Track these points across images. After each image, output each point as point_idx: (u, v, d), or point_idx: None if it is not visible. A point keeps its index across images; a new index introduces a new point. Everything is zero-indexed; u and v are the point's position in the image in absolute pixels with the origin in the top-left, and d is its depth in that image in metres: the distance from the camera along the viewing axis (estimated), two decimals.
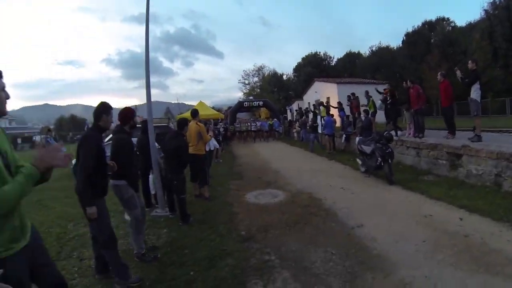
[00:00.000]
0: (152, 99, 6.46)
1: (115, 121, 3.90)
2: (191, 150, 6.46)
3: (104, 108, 3.31)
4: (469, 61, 7.95)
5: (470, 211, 5.13)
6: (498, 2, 27.00)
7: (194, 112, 7.14)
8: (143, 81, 6.18)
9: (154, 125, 6.52)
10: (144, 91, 6.17)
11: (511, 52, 25.27)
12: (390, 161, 7.53)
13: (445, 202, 5.70)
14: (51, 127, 27.31)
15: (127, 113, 3.92)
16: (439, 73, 9.13)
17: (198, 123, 6.93)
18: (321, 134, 15.56)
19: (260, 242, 4.51)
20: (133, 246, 4.11)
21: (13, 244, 1.74)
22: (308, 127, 16.60)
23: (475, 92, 7.62)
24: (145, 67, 6.16)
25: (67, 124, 70.13)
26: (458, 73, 8.04)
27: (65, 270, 3.80)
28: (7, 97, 1.80)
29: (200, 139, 6.79)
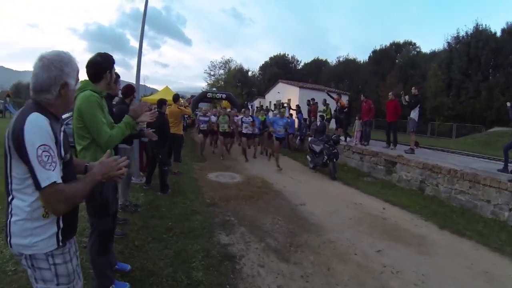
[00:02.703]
0: None
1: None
2: (172, 130, 7.53)
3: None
4: (413, 88, 9.61)
5: (393, 204, 6.56)
6: (460, 38, 30.26)
7: (176, 97, 8.38)
8: None
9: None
10: None
11: (463, 84, 28.57)
12: (335, 160, 8.96)
13: (375, 197, 7.11)
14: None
15: (128, 89, 4.93)
16: (391, 92, 10.78)
17: (179, 106, 8.15)
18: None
19: (222, 208, 5.67)
20: (120, 198, 4.98)
21: None
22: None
23: (414, 113, 9.31)
24: (138, 54, 7.45)
25: (25, 91, 62.34)
26: (406, 98, 9.65)
27: None
28: (118, 76, 2.76)
29: (180, 122, 8.09)
